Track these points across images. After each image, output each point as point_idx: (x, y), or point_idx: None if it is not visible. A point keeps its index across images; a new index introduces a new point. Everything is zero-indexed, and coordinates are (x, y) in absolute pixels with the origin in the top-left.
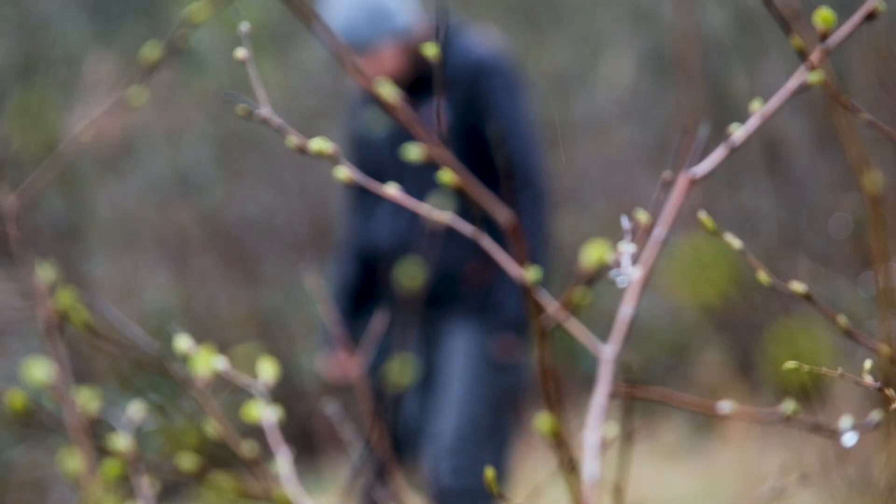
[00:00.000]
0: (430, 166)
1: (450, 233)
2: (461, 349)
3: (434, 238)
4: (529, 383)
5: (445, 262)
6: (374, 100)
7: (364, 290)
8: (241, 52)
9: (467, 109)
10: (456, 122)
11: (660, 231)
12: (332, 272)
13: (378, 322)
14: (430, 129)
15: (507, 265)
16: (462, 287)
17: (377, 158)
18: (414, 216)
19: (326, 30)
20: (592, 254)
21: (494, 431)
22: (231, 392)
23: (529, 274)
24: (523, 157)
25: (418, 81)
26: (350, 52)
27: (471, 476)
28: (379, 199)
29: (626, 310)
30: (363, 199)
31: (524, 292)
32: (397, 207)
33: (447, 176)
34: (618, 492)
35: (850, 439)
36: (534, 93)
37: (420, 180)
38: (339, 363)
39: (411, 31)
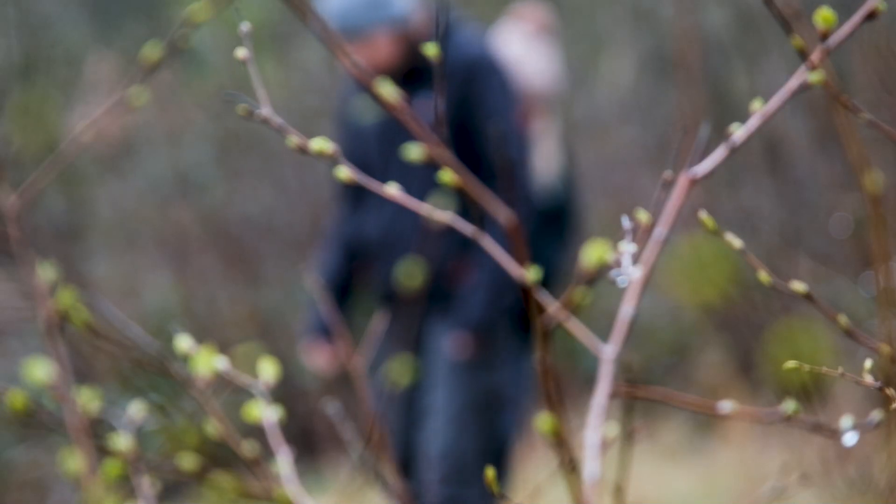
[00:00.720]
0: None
1: (429, 232)
2: (444, 350)
3: (420, 231)
4: (518, 381)
5: (429, 259)
6: (365, 88)
7: (348, 281)
8: (241, 52)
9: (458, 106)
10: (446, 117)
11: (660, 231)
12: (318, 262)
13: (378, 321)
14: (422, 122)
15: (507, 265)
16: (445, 286)
17: (364, 146)
18: (400, 207)
19: (319, 18)
20: (593, 253)
21: (481, 433)
22: (231, 392)
23: (530, 274)
24: (512, 158)
25: (412, 72)
26: (343, 39)
27: (458, 484)
28: (366, 189)
29: (626, 309)
30: (351, 188)
31: (502, 293)
32: (383, 198)
33: (446, 174)
34: (618, 492)
35: (850, 439)
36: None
37: (406, 170)
38: (324, 352)
39: (408, 20)
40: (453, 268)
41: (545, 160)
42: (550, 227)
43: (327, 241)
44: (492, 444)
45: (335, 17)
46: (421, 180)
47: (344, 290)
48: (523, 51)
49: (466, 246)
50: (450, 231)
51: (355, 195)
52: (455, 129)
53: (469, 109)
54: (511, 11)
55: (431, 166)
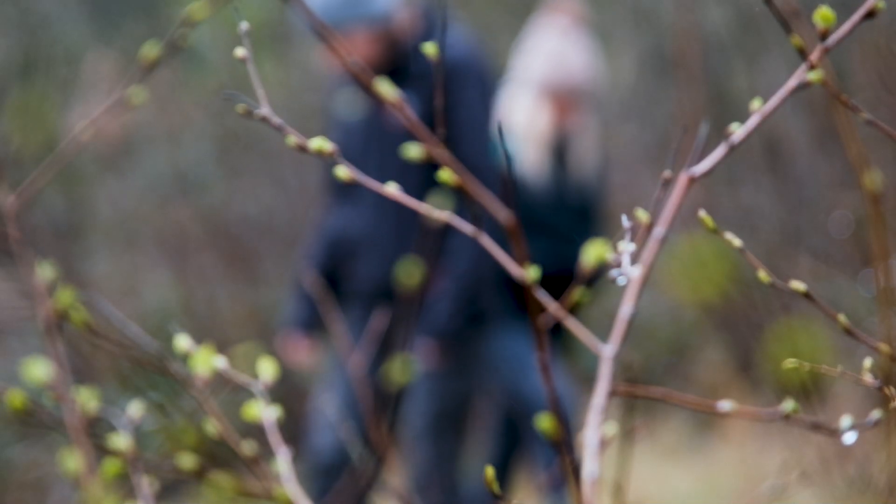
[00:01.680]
0: (395, 151)
1: (403, 230)
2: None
3: (398, 231)
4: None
5: (397, 260)
6: (350, 83)
7: (330, 277)
8: (240, 51)
9: (435, 106)
10: (422, 116)
11: (660, 230)
12: (303, 256)
13: (378, 321)
14: (396, 119)
15: (506, 265)
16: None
17: (348, 141)
18: (379, 206)
19: (304, 10)
20: (592, 253)
21: (455, 440)
22: (231, 391)
23: (530, 273)
24: (481, 163)
25: (393, 72)
26: (324, 33)
27: (436, 492)
28: (350, 189)
29: (625, 308)
30: (335, 182)
31: (468, 301)
32: (363, 194)
33: (445, 173)
34: (618, 490)
35: (849, 438)
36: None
37: (385, 166)
38: (302, 346)
39: (389, 19)
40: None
41: (583, 155)
42: (584, 224)
43: (313, 235)
44: (462, 445)
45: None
46: (400, 178)
47: (327, 284)
48: (560, 45)
49: (436, 250)
50: (421, 234)
51: (338, 190)
52: (430, 128)
53: (446, 112)
54: (546, 4)
55: (410, 164)
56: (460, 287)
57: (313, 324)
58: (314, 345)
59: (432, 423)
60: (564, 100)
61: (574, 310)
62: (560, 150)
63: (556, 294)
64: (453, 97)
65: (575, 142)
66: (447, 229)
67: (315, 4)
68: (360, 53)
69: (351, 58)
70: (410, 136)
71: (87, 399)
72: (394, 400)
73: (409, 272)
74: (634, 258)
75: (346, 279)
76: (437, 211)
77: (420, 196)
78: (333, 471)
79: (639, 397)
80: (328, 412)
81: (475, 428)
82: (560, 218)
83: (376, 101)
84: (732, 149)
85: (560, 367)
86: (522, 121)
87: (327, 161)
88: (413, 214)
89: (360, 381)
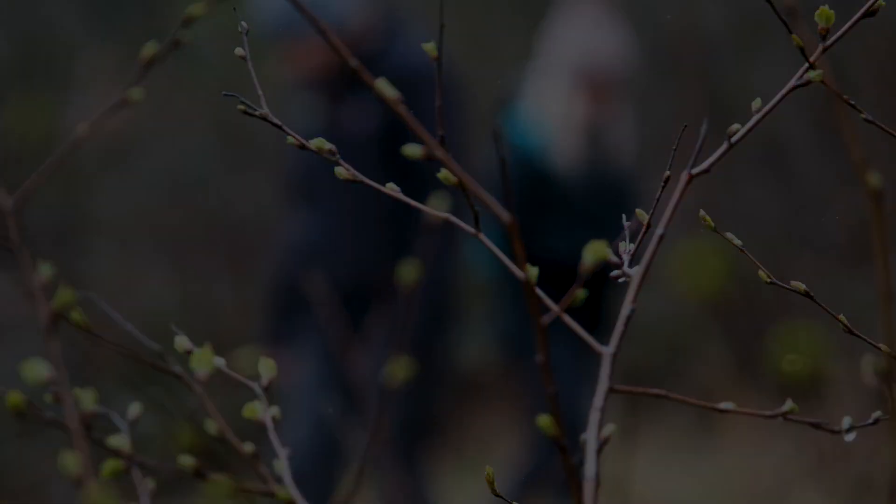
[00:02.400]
0: (357, 157)
1: (366, 235)
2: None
3: (362, 234)
4: (446, 398)
5: (363, 265)
6: (308, 86)
7: (296, 282)
8: (239, 51)
9: (396, 114)
10: (383, 123)
11: (660, 228)
12: (272, 266)
13: (376, 324)
14: (356, 125)
15: (508, 265)
16: (375, 293)
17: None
18: (339, 208)
19: (302, 9)
20: (592, 252)
21: (420, 450)
22: (231, 391)
23: (530, 272)
24: None
25: (352, 78)
26: (278, 41)
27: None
28: (309, 193)
29: (625, 308)
30: (297, 192)
31: (438, 311)
32: (323, 198)
33: (446, 175)
34: (619, 490)
35: (850, 437)
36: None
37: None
38: (281, 360)
39: (347, 23)
40: (383, 276)
41: (619, 144)
42: (622, 213)
43: (277, 243)
44: (421, 453)
45: (270, 18)
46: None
47: (294, 296)
48: (592, 31)
49: (399, 257)
50: (384, 240)
51: (299, 195)
52: (391, 135)
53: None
54: None
55: (371, 169)
56: (429, 297)
57: (290, 336)
58: (294, 358)
59: (399, 432)
60: (599, 87)
61: (604, 307)
62: (596, 139)
63: (595, 286)
64: (414, 105)
65: (610, 130)
66: (421, 233)
67: (270, 10)
68: (318, 59)
69: (304, 65)
70: (372, 141)
71: (85, 399)
72: (384, 399)
73: (408, 273)
74: (635, 257)
75: (310, 284)
76: (435, 211)
77: (385, 200)
78: (302, 474)
79: (639, 395)
80: (303, 416)
81: (442, 433)
82: (597, 208)
83: (337, 106)
84: (731, 147)
85: (586, 368)
86: (556, 110)
87: (288, 167)
88: (374, 218)
89: (335, 384)
